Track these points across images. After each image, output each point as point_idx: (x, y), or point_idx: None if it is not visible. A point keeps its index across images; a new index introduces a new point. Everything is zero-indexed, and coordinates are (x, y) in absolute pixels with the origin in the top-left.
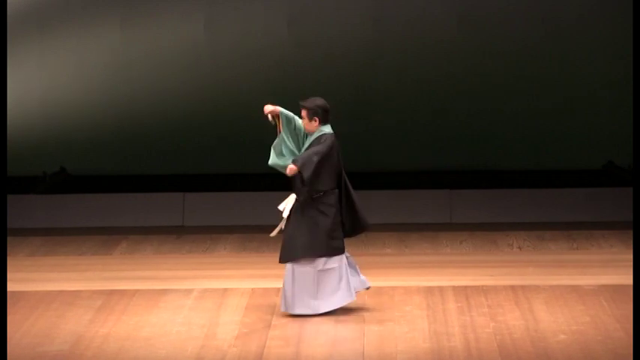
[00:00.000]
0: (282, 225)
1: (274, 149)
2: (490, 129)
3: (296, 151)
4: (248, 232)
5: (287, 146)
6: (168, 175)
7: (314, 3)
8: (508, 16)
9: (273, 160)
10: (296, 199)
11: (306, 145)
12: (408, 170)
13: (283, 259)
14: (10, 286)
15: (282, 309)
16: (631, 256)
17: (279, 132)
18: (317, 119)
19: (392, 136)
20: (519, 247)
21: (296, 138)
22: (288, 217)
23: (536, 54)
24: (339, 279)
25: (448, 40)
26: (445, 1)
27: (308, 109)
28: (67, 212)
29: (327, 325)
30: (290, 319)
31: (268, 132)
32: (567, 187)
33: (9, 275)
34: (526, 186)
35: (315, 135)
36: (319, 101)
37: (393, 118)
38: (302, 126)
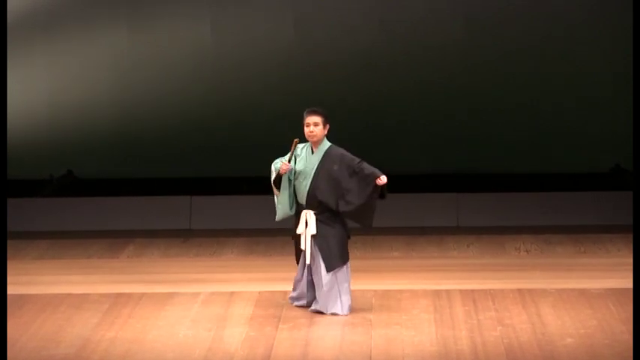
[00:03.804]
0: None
1: (282, 205)
2: (497, 131)
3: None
4: (255, 236)
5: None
6: (175, 179)
7: (319, 5)
8: (513, 17)
9: (286, 212)
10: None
11: (317, 161)
12: (414, 173)
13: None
14: (17, 289)
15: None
16: None
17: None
18: (329, 125)
19: (398, 138)
20: (526, 251)
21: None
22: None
23: (541, 56)
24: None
25: (454, 41)
26: (450, 2)
27: (324, 115)
28: (73, 215)
29: (335, 328)
30: (297, 321)
31: (275, 135)
32: (574, 191)
33: (16, 278)
34: (533, 189)
35: (324, 148)
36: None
37: (398, 120)
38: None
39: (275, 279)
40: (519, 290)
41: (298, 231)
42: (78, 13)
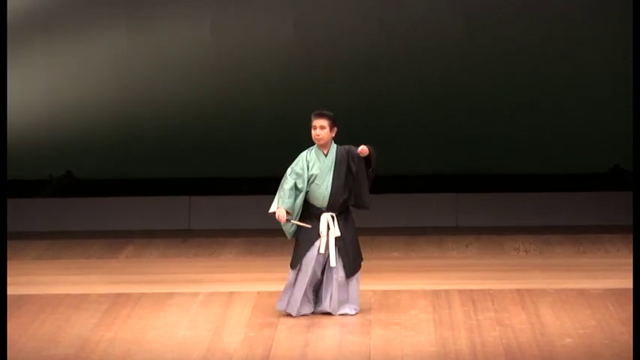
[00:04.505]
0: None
1: (286, 227)
2: (497, 131)
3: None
4: (254, 236)
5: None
6: (174, 179)
7: (319, 5)
8: (513, 18)
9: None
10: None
11: (331, 162)
12: (414, 174)
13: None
14: (16, 290)
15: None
16: None
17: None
18: (336, 128)
19: (398, 138)
20: (525, 251)
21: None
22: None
23: (541, 56)
24: None
25: (454, 41)
26: (450, 2)
27: (330, 118)
28: (73, 216)
29: (334, 328)
30: (296, 322)
31: (275, 135)
32: (574, 191)
33: (15, 279)
34: (532, 190)
35: (333, 149)
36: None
37: (398, 120)
38: (304, 164)
39: (274, 279)
40: (518, 290)
41: (321, 234)
42: (78, 13)
